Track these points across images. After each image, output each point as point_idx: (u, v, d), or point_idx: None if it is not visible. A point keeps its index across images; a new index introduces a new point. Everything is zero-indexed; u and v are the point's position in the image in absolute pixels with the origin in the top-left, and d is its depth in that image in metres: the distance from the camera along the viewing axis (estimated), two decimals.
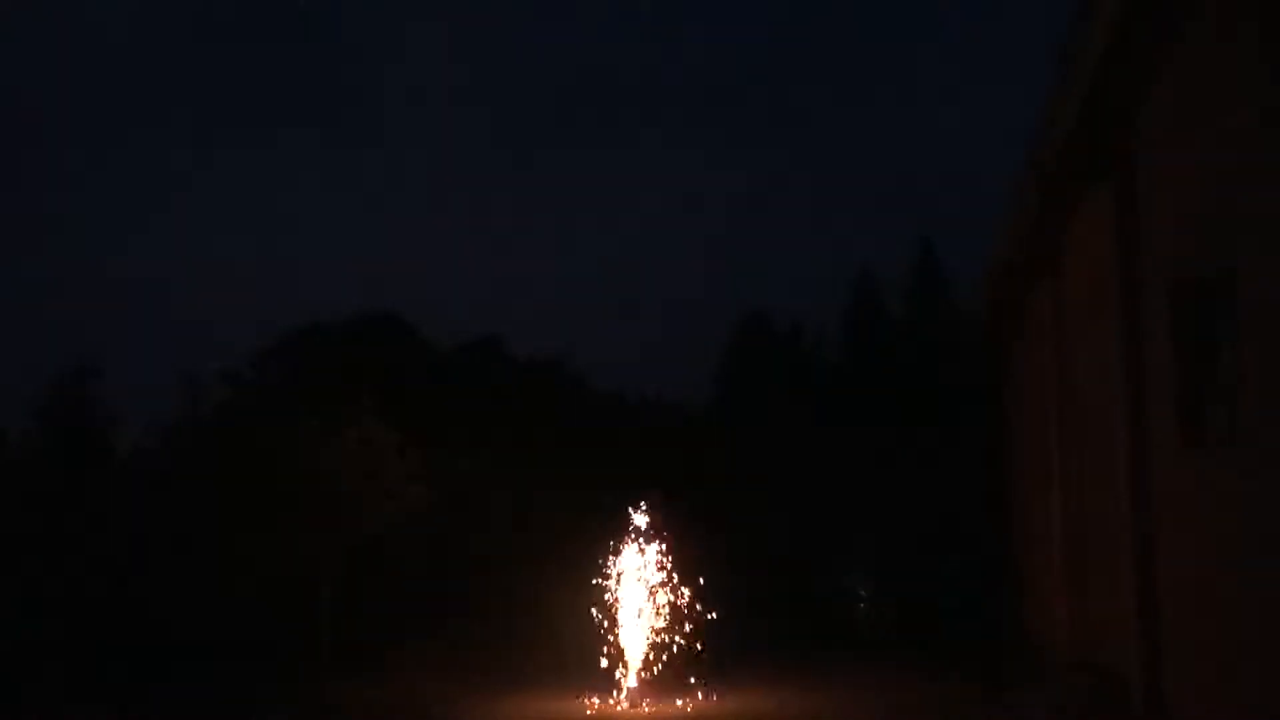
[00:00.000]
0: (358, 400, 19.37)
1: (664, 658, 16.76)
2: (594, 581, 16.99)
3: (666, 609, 16.92)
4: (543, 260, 65.95)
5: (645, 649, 16.78)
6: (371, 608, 20.49)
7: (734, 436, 27.14)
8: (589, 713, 15.78)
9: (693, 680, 16.46)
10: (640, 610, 16.88)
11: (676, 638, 16.83)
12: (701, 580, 17.12)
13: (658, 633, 16.83)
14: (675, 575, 17.01)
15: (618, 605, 16.89)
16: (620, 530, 17.10)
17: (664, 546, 17.04)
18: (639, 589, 16.91)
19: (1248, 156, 7.72)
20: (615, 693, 16.36)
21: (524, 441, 24.02)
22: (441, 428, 21.67)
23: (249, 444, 19.00)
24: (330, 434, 18.89)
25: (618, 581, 16.92)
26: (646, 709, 15.97)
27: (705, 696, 16.16)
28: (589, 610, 16.92)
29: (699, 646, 16.85)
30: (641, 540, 17.01)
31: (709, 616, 17.01)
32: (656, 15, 74.50)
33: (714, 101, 71.82)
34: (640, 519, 17.11)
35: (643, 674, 16.68)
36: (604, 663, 16.70)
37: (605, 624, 16.83)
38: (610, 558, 16.99)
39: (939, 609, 22.35)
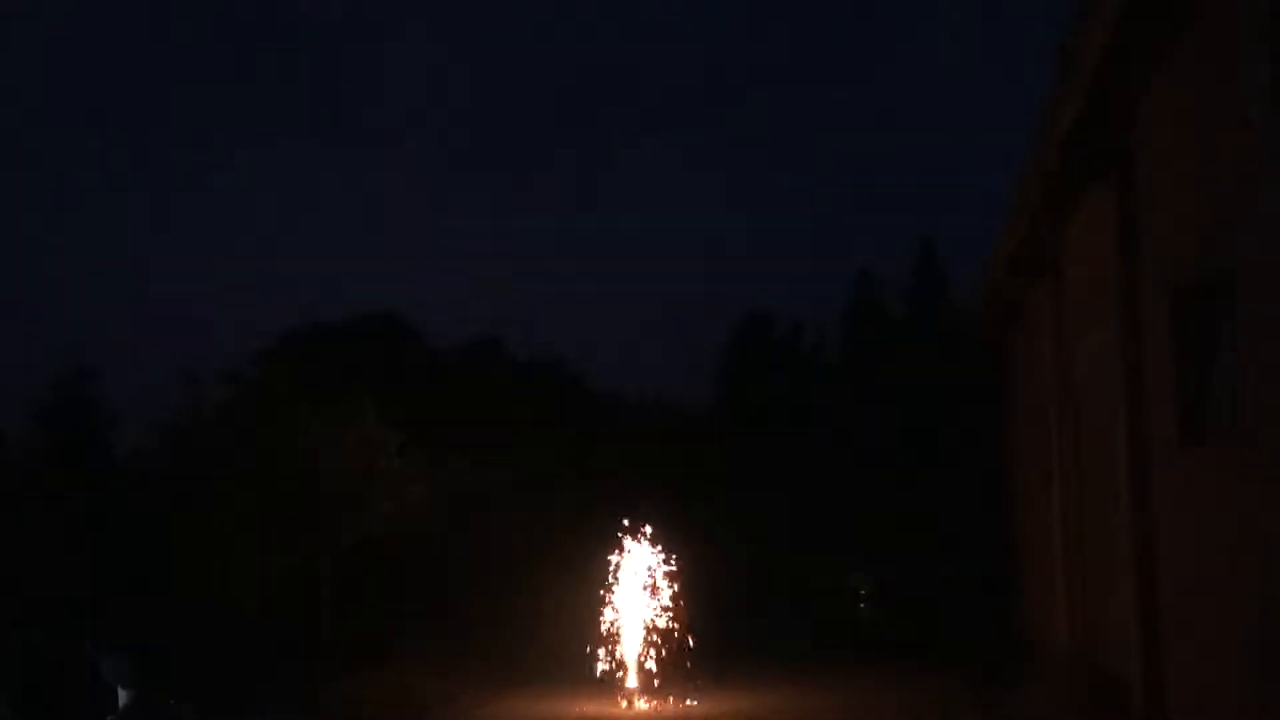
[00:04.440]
0: (358, 400, 19.37)
1: (663, 657, 16.76)
2: (593, 581, 16.99)
3: (665, 609, 16.92)
4: (542, 260, 65.97)
5: (644, 648, 16.78)
6: (371, 607, 20.49)
7: (734, 437, 27.16)
8: (589, 712, 15.79)
9: (692, 680, 16.46)
10: (639, 610, 16.88)
11: (675, 637, 16.83)
12: (701, 580, 17.12)
13: (656, 632, 16.83)
14: (674, 575, 17.02)
15: (616, 604, 16.90)
16: (619, 530, 17.10)
17: (663, 546, 17.05)
18: (638, 589, 16.92)
19: (1248, 157, 7.71)
20: (615, 692, 16.37)
21: (523, 441, 24.03)
22: (441, 428, 21.66)
23: (249, 444, 18.99)
24: (330, 434, 18.88)
25: (616, 581, 16.92)
26: (646, 708, 15.98)
27: (703, 697, 16.16)
28: (588, 609, 16.93)
29: (697, 646, 16.85)
30: (640, 540, 17.02)
31: (708, 617, 17.01)
32: (657, 15, 74.63)
33: (714, 101, 71.81)
34: (639, 519, 17.12)
35: (641, 673, 16.68)
36: (603, 661, 16.71)
37: (604, 623, 16.83)
38: (609, 557, 16.99)
39: (939, 609, 22.37)
